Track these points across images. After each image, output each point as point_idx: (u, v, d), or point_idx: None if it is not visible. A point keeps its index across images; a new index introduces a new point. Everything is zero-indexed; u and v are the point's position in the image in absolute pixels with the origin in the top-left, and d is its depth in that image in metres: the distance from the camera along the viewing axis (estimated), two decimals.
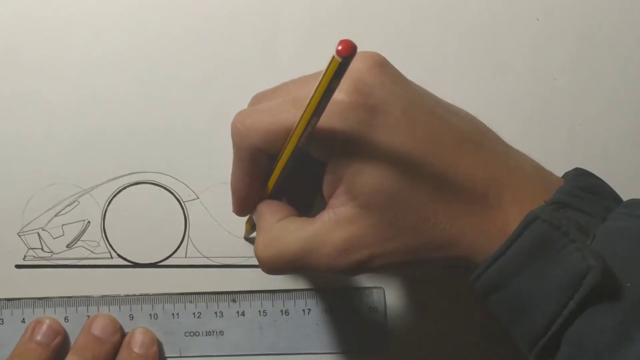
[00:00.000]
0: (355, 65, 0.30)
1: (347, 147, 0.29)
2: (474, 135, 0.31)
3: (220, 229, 0.41)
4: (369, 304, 0.41)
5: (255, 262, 0.40)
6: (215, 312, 0.41)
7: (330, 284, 0.41)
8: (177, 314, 0.41)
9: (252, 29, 0.41)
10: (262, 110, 0.31)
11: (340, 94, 0.29)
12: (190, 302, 0.41)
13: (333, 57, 0.24)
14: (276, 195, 0.34)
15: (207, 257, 0.41)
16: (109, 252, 0.41)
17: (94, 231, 0.41)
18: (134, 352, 0.39)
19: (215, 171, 0.41)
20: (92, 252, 0.41)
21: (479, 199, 0.30)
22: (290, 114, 0.30)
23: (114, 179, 0.41)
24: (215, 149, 0.40)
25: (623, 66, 0.41)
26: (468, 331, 0.41)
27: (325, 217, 0.31)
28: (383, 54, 0.31)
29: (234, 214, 0.35)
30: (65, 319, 0.41)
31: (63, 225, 0.41)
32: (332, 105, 0.28)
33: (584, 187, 0.30)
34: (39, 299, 0.41)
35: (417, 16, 0.41)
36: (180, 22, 0.40)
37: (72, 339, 0.40)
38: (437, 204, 0.29)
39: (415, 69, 0.33)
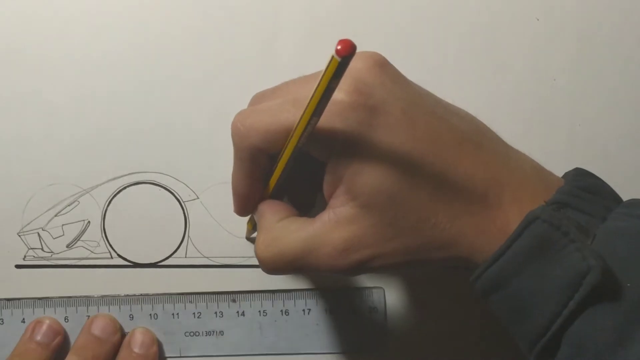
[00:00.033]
0: (355, 65, 0.30)
1: (347, 147, 0.29)
2: (474, 135, 0.31)
3: (220, 229, 0.41)
4: (369, 304, 0.41)
5: (255, 262, 0.40)
6: (215, 312, 0.41)
7: (330, 284, 0.41)
8: (177, 314, 0.41)
9: (252, 29, 0.41)
10: (262, 110, 0.31)
11: (340, 94, 0.29)
12: (190, 302, 0.41)
13: (332, 56, 0.24)
14: (277, 195, 0.34)
15: (207, 257, 0.41)
16: (109, 252, 0.41)
17: (94, 231, 0.41)
18: (134, 352, 0.39)
19: (215, 171, 0.41)
20: (92, 252, 0.41)
21: (479, 199, 0.30)
22: (290, 114, 0.30)
23: (114, 179, 0.41)
24: (215, 149, 0.40)
25: (623, 66, 0.41)
26: (468, 331, 0.41)
27: (326, 217, 0.31)
28: (383, 54, 0.31)
29: (234, 214, 0.35)
30: (65, 319, 0.41)
31: (63, 225, 0.41)
32: (332, 105, 0.28)
33: (584, 187, 0.30)
34: (39, 299, 0.41)
35: (417, 16, 0.41)
36: (180, 22, 0.40)
37: (72, 339, 0.40)
38: (437, 204, 0.29)
39: (415, 69, 0.33)
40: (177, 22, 0.40)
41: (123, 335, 0.40)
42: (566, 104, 0.41)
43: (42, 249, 0.41)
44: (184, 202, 0.41)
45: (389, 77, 0.30)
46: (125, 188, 0.41)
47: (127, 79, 0.40)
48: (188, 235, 0.41)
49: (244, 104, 0.34)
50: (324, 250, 0.30)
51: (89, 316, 0.40)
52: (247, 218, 0.39)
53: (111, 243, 0.41)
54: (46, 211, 0.41)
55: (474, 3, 0.41)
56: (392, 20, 0.41)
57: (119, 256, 0.41)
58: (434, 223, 0.29)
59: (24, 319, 0.40)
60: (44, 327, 0.40)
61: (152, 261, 0.41)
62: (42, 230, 0.41)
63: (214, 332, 0.41)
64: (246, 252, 0.41)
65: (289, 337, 0.41)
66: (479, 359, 0.41)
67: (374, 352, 0.41)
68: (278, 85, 0.33)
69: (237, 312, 0.41)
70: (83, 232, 0.41)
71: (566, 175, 0.32)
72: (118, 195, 0.41)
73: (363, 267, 0.30)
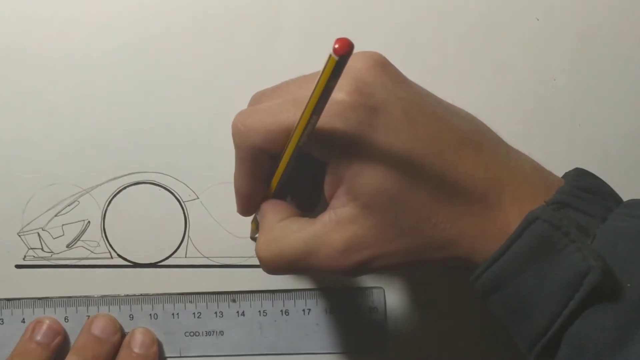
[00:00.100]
0: (355, 65, 0.30)
1: (348, 147, 0.29)
2: (474, 136, 0.31)
3: (220, 229, 0.41)
4: (369, 304, 0.41)
5: (255, 262, 0.40)
6: (215, 312, 0.41)
7: (330, 284, 0.41)
8: (177, 314, 0.41)
9: (252, 29, 0.41)
10: (262, 110, 0.31)
11: (340, 94, 0.29)
12: (190, 302, 0.41)
13: (330, 55, 0.24)
14: (280, 194, 0.34)
15: (207, 257, 0.41)
16: (109, 252, 0.41)
17: (94, 231, 0.41)
18: (134, 352, 0.39)
19: (215, 171, 0.41)
20: (92, 252, 0.41)
21: (479, 199, 0.30)
22: (290, 113, 0.30)
23: (114, 179, 0.41)
24: (215, 149, 0.40)
25: (623, 66, 0.41)
26: (468, 331, 0.41)
27: (326, 218, 0.31)
28: (383, 54, 0.31)
29: (234, 214, 0.35)
30: (65, 319, 0.41)
31: (63, 225, 0.41)
32: (332, 105, 0.28)
33: (584, 187, 0.30)
34: (39, 299, 0.41)
35: (417, 16, 0.41)
36: (180, 22, 0.40)
37: (72, 339, 0.40)
38: (438, 204, 0.29)
39: (415, 69, 0.33)
40: (177, 22, 0.40)
41: (123, 335, 0.40)
42: (566, 104, 0.41)
43: (42, 249, 0.41)
44: (184, 202, 0.41)
45: (389, 77, 0.30)
46: (125, 188, 0.41)
47: (127, 79, 0.40)
48: (188, 235, 0.41)
49: (244, 104, 0.34)
50: (324, 251, 0.30)
51: (89, 316, 0.40)
52: (249, 218, 0.39)
53: (111, 243, 0.41)
54: (46, 211, 0.41)
55: (474, 3, 0.41)
56: (392, 20, 0.41)
57: (119, 256, 0.41)
58: (435, 223, 0.29)
59: (24, 319, 0.40)
60: (44, 327, 0.40)
61: (152, 261, 0.41)
62: (42, 230, 0.41)
63: (214, 332, 0.41)
64: (246, 252, 0.41)
65: (289, 337, 0.41)
66: (479, 359, 0.41)
67: (374, 352, 0.41)
68: (278, 85, 0.33)
69: (237, 312, 0.41)
70: (83, 232, 0.41)
71: (566, 175, 0.32)
72: (118, 195, 0.41)
73: (364, 267, 0.30)
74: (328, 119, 0.28)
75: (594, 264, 0.27)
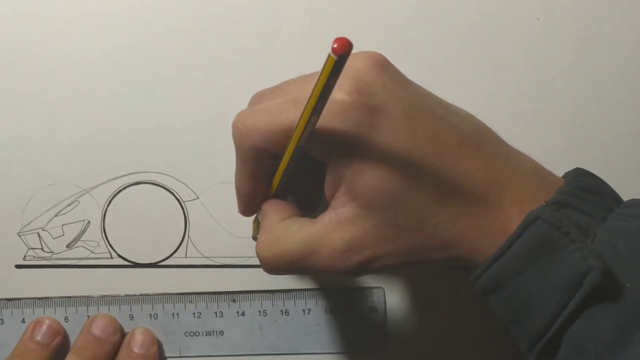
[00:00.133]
0: (355, 65, 0.30)
1: (348, 147, 0.29)
2: (474, 136, 0.31)
3: (220, 229, 0.41)
4: (369, 304, 0.41)
5: (255, 262, 0.40)
6: (215, 312, 0.41)
7: (330, 284, 0.41)
8: (177, 314, 0.41)
9: (252, 29, 0.41)
10: (262, 110, 0.31)
11: (341, 94, 0.29)
12: (190, 302, 0.41)
13: (329, 55, 0.24)
14: (281, 194, 0.34)
15: (207, 257, 0.41)
16: (109, 252, 0.41)
17: (94, 231, 0.41)
18: (134, 352, 0.39)
19: (215, 171, 0.41)
20: (92, 252, 0.41)
21: (479, 199, 0.30)
22: (290, 113, 0.30)
23: (114, 179, 0.41)
24: (215, 149, 0.40)
25: (623, 66, 0.41)
26: (468, 331, 0.41)
27: (327, 218, 0.31)
28: (383, 54, 0.31)
29: (234, 214, 0.35)
30: (65, 319, 0.41)
31: (63, 225, 0.41)
32: (332, 105, 0.28)
33: (584, 187, 0.30)
34: (39, 299, 0.41)
35: (417, 16, 0.41)
36: (180, 22, 0.40)
37: (72, 339, 0.40)
38: (438, 204, 0.29)
39: (415, 69, 0.33)
40: (177, 22, 0.40)
41: (123, 335, 0.40)
42: (566, 104, 0.41)
43: (42, 249, 0.41)
44: (184, 202, 0.41)
45: (389, 77, 0.30)
46: (125, 188, 0.41)
47: (127, 79, 0.40)
48: (188, 235, 0.41)
49: (244, 104, 0.34)
50: (324, 252, 0.30)
51: (89, 316, 0.40)
52: (249, 218, 0.39)
53: (111, 243, 0.41)
54: (46, 211, 0.41)
55: (474, 3, 0.41)
56: (392, 20, 0.41)
57: (119, 256, 0.41)
58: (435, 223, 0.29)
59: (24, 319, 0.40)
60: (44, 327, 0.40)
61: (152, 261, 0.41)
62: (42, 230, 0.41)
63: (214, 332, 0.41)
64: (246, 252, 0.41)
65: (289, 337, 0.41)
66: (479, 359, 0.41)
67: (374, 352, 0.41)
68: (278, 85, 0.33)
69: (237, 312, 0.41)
70: (83, 232, 0.41)
71: (566, 175, 0.32)
72: (118, 195, 0.41)
73: (364, 268, 0.30)
74: (328, 118, 0.29)
75: (594, 264, 0.27)
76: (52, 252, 0.41)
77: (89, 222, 0.41)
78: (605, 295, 0.27)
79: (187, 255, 0.41)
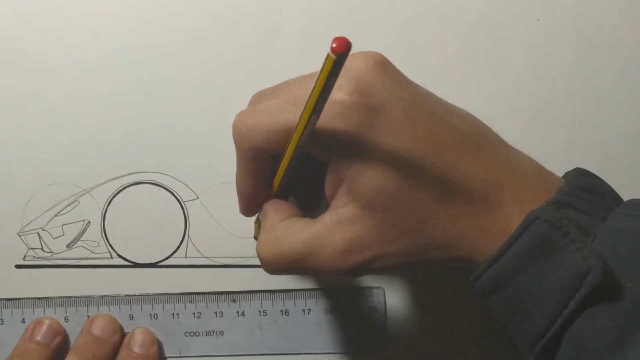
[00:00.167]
0: (356, 65, 0.30)
1: (348, 147, 0.29)
2: (474, 136, 0.31)
3: (220, 229, 0.41)
4: (369, 304, 0.41)
5: (255, 262, 0.40)
6: (215, 312, 0.41)
7: (330, 284, 0.41)
8: (177, 314, 0.41)
9: (252, 29, 0.41)
10: (262, 110, 0.31)
11: (341, 94, 0.29)
12: (190, 302, 0.41)
13: (328, 54, 0.24)
14: (282, 194, 0.34)
15: (207, 257, 0.41)
16: (109, 252, 0.41)
17: (94, 231, 0.41)
18: (134, 352, 0.39)
19: (215, 171, 0.41)
20: (92, 252, 0.41)
21: (479, 199, 0.30)
22: (290, 113, 0.30)
23: (114, 179, 0.41)
24: (215, 149, 0.40)
25: (623, 66, 0.41)
26: (468, 331, 0.41)
27: (327, 218, 0.31)
28: (383, 54, 0.31)
29: (234, 214, 0.35)
30: (65, 319, 0.41)
31: (63, 225, 0.41)
32: (333, 105, 0.28)
33: (585, 187, 0.30)
34: (39, 299, 0.41)
35: (417, 16, 0.41)
36: (180, 22, 0.40)
37: (72, 339, 0.40)
38: (438, 204, 0.29)
39: (415, 69, 0.33)
40: (177, 22, 0.40)
41: (123, 335, 0.40)
42: (566, 104, 0.41)
43: (42, 249, 0.41)
44: (184, 202, 0.41)
45: (389, 77, 0.30)
46: (125, 188, 0.41)
47: (127, 79, 0.40)
48: (188, 235, 0.41)
49: (244, 104, 0.34)
50: (325, 252, 0.30)
51: (89, 316, 0.40)
52: (249, 218, 0.39)
53: (111, 243, 0.41)
54: (46, 211, 0.41)
55: (474, 3, 0.41)
56: (392, 20, 0.41)
57: (119, 256, 0.41)
58: (435, 223, 0.29)
59: (24, 319, 0.40)
60: (44, 327, 0.40)
61: (152, 261, 0.41)
62: (42, 230, 0.41)
63: (214, 332, 0.41)
64: (246, 252, 0.41)
65: (289, 337, 0.41)
66: (479, 359, 0.41)
67: (374, 352, 0.41)
68: (278, 85, 0.33)
69: (237, 312, 0.41)
70: (83, 232, 0.41)
71: (566, 175, 0.32)
72: (118, 195, 0.41)
73: (364, 268, 0.30)
74: (328, 119, 0.28)
75: (594, 263, 0.27)
76: (52, 252, 0.41)
77: (89, 222, 0.41)
78: (605, 295, 0.27)
79: (187, 255, 0.41)
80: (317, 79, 0.26)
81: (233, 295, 0.41)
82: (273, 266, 0.32)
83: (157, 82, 0.40)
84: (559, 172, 0.33)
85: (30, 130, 0.40)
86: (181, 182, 0.41)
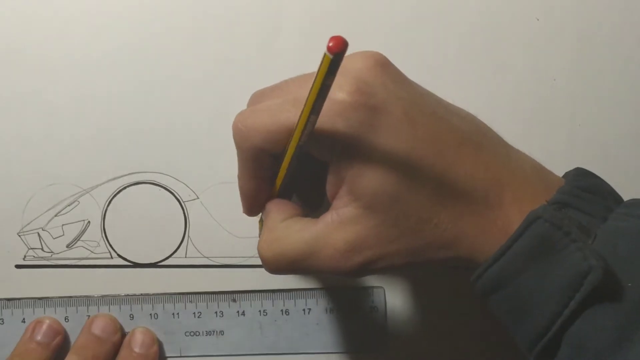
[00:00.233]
0: (356, 65, 0.30)
1: (349, 147, 0.29)
2: (474, 136, 0.31)
3: (220, 229, 0.41)
4: (370, 303, 0.41)
5: (255, 262, 0.40)
6: (216, 312, 0.41)
7: (330, 284, 0.41)
8: (177, 313, 0.41)
9: (252, 29, 0.41)
10: (262, 110, 0.31)
11: (341, 94, 0.29)
12: (191, 302, 0.41)
13: (325, 54, 0.24)
14: (285, 194, 0.34)
15: (207, 257, 0.41)
16: (109, 252, 0.41)
17: (94, 231, 0.41)
18: (134, 352, 0.39)
19: (215, 171, 0.41)
20: (92, 252, 0.41)
21: (479, 199, 0.30)
22: (290, 113, 0.30)
23: (114, 179, 0.41)
24: (215, 149, 0.40)
25: (623, 66, 0.41)
26: (468, 331, 0.41)
27: (328, 219, 0.30)
28: (383, 54, 0.31)
29: (234, 214, 0.36)
30: (65, 319, 0.41)
31: (63, 225, 0.41)
32: (333, 105, 0.28)
33: (585, 187, 0.30)
34: (39, 299, 0.41)
35: (417, 16, 0.41)
36: (180, 22, 0.40)
37: (72, 339, 0.40)
38: (438, 205, 0.29)
39: (415, 69, 0.33)
40: (177, 22, 0.40)
41: (123, 335, 0.40)
42: (566, 104, 0.41)
43: (42, 249, 0.41)
44: (184, 202, 0.41)
45: (390, 77, 0.30)
46: (125, 188, 0.41)
47: (127, 79, 0.40)
48: (188, 235, 0.41)
49: (244, 104, 0.34)
50: (326, 252, 0.30)
51: (89, 316, 0.40)
52: (248, 218, 0.38)
53: (111, 243, 0.41)
54: (46, 211, 0.41)
55: (474, 3, 0.41)
56: (392, 20, 0.41)
57: (119, 256, 0.41)
58: (436, 223, 0.29)
59: (24, 319, 0.40)
60: (44, 327, 0.40)
61: (152, 261, 0.41)
62: (42, 230, 0.41)
63: (214, 331, 0.41)
64: (246, 252, 0.41)
65: (289, 337, 0.41)
66: (479, 359, 0.41)
67: (374, 351, 0.41)
68: (277, 84, 0.33)
69: (238, 311, 0.41)
70: (83, 232, 0.41)
71: (567, 175, 0.32)
72: (118, 195, 0.41)
73: (365, 268, 0.30)
74: (329, 118, 0.28)
75: (594, 263, 0.27)
76: (52, 252, 0.41)
77: (89, 222, 0.41)
78: (605, 295, 0.27)
79: (187, 255, 0.41)
80: (315, 79, 0.26)
81: (233, 295, 0.41)
82: (274, 266, 0.32)
83: (157, 82, 0.40)
84: (559, 172, 0.33)
85: (30, 130, 0.40)
86: (181, 182, 0.41)
